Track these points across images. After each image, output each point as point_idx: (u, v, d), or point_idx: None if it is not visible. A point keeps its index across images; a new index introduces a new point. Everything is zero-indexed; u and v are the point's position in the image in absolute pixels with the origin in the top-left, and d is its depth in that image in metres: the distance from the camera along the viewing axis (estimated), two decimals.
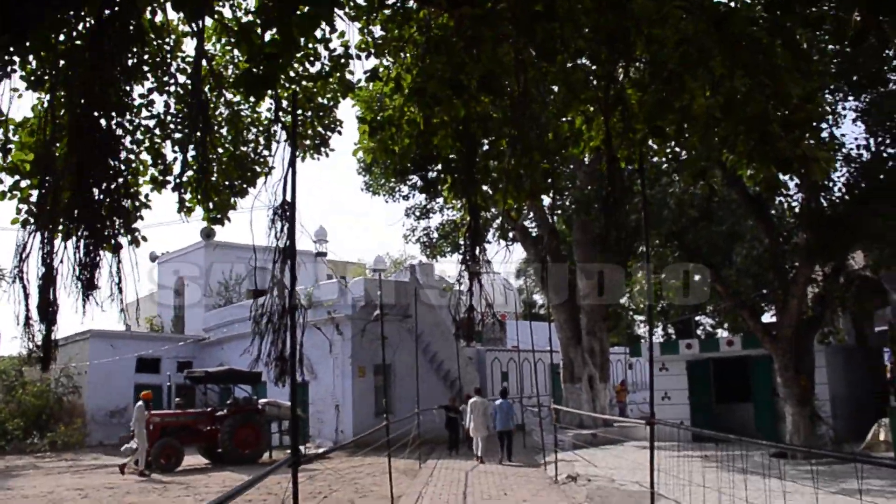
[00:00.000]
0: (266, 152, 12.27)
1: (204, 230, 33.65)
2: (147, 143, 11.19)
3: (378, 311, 15.34)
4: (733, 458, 15.44)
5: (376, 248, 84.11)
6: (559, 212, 27.97)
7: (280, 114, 8.28)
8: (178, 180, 11.85)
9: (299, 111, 12.06)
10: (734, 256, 16.22)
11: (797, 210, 14.21)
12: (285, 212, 6.47)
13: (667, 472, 14.48)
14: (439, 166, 9.16)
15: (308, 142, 12.36)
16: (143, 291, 39.43)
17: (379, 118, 10.10)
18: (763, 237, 14.58)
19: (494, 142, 9.63)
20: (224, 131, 11.53)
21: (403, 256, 48.44)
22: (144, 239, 11.46)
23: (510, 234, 27.22)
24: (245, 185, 11.43)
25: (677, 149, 10.01)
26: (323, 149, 12.43)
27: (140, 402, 18.98)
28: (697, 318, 46.67)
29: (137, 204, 11.35)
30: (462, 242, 9.19)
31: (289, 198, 6.49)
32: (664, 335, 50.12)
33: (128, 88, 11.27)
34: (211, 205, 11.49)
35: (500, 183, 9.63)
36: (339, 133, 12.29)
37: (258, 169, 12.07)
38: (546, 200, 26.46)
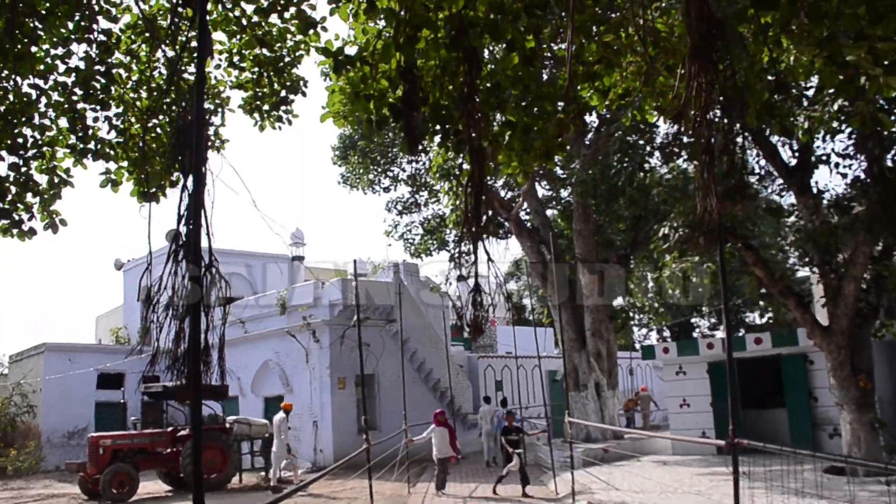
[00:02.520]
0: (215, 120, 10.06)
1: (170, 232, 30.96)
2: (66, 105, 9.05)
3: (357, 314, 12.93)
4: (782, 475, 13.12)
5: (356, 254, 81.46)
6: (554, 204, 25.77)
7: None
8: (98, 146, 9.64)
9: (255, 67, 9.89)
10: (766, 238, 13.98)
11: (856, 174, 11.88)
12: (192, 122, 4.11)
13: (708, 497, 12.16)
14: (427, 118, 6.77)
15: (266, 106, 10.17)
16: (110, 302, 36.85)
17: (347, 53, 7.74)
18: (812, 210, 12.26)
19: (499, 85, 7.42)
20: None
21: (386, 261, 45.96)
22: (63, 223, 9.14)
23: (502, 228, 24.89)
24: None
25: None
26: (285, 115, 10.22)
27: (281, 413, 17.95)
28: (693, 319, 44.29)
29: (56, 180, 9.19)
30: (451, 237, 6.76)
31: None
32: (659, 338, 47.95)
33: (40, 35, 8.98)
34: (143, 177, 9.30)
35: (502, 138, 7.47)
36: (304, 94, 10.16)
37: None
38: (540, 192, 24.29)
